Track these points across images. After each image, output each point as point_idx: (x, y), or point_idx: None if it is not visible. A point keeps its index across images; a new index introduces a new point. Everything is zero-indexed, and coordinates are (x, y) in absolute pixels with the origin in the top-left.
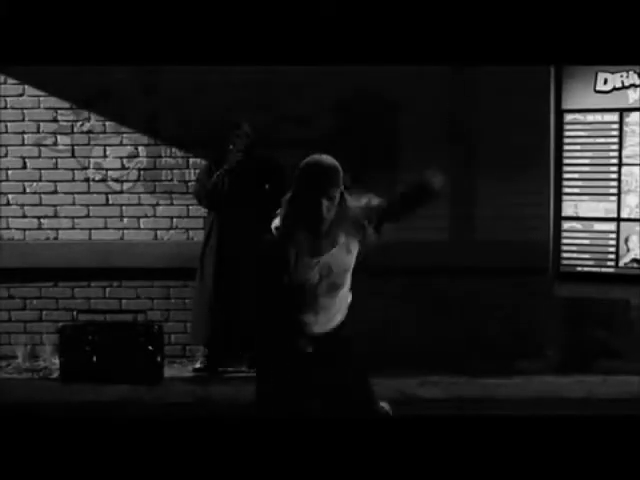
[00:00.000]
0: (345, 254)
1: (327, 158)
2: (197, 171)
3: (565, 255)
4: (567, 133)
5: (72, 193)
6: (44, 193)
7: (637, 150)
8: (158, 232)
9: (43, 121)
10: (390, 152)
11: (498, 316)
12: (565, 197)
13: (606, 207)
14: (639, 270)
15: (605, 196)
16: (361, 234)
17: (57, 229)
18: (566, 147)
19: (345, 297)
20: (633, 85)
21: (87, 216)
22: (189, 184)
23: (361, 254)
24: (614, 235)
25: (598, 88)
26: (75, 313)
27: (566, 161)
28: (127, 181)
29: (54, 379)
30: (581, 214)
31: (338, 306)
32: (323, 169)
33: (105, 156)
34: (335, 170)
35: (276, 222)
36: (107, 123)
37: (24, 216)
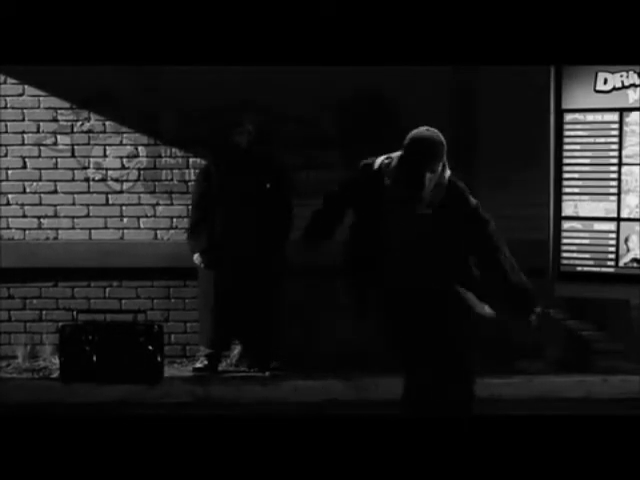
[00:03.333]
0: (438, 220)
1: (433, 133)
2: (197, 171)
3: (565, 255)
4: (567, 133)
5: (72, 193)
6: (44, 193)
7: (637, 150)
8: (158, 232)
9: (43, 121)
10: (390, 152)
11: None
12: (565, 197)
13: (606, 207)
14: (639, 270)
15: (605, 196)
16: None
17: (57, 229)
18: (566, 147)
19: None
20: (633, 85)
21: (87, 216)
22: (189, 184)
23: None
24: (614, 235)
25: (598, 88)
26: (75, 313)
27: (566, 161)
28: (127, 181)
29: (54, 379)
30: (581, 214)
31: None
32: (427, 144)
33: (105, 156)
34: (439, 145)
35: (381, 163)
36: (107, 123)
37: (24, 216)
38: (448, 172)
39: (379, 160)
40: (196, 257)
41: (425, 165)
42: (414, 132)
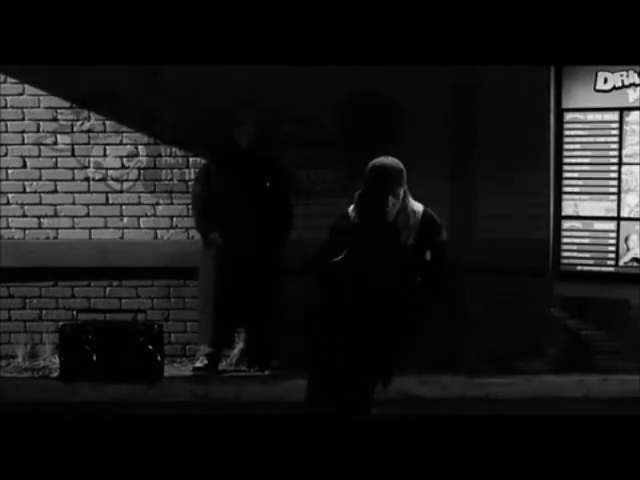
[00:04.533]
0: (404, 239)
1: (392, 160)
2: (197, 171)
3: (565, 254)
4: (567, 132)
5: (72, 192)
6: (44, 192)
7: (637, 149)
8: (158, 231)
9: (43, 120)
10: (390, 152)
11: (498, 316)
12: (565, 196)
13: (606, 206)
14: (639, 269)
15: (605, 195)
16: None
17: (57, 228)
18: (566, 146)
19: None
20: (633, 84)
21: (87, 215)
22: (189, 183)
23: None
24: (614, 234)
25: (598, 87)
26: (75, 312)
27: (566, 160)
28: (127, 180)
29: (54, 378)
30: (581, 213)
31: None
32: (388, 171)
33: (105, 155)
34: (399, 172)
35: (350, 210)
36: (107, 122)
37: (24, 215)
38: (416, 204)
39: (350, 208)
40: (213, 236)
41: (386, 189)
42: (374, 160)
